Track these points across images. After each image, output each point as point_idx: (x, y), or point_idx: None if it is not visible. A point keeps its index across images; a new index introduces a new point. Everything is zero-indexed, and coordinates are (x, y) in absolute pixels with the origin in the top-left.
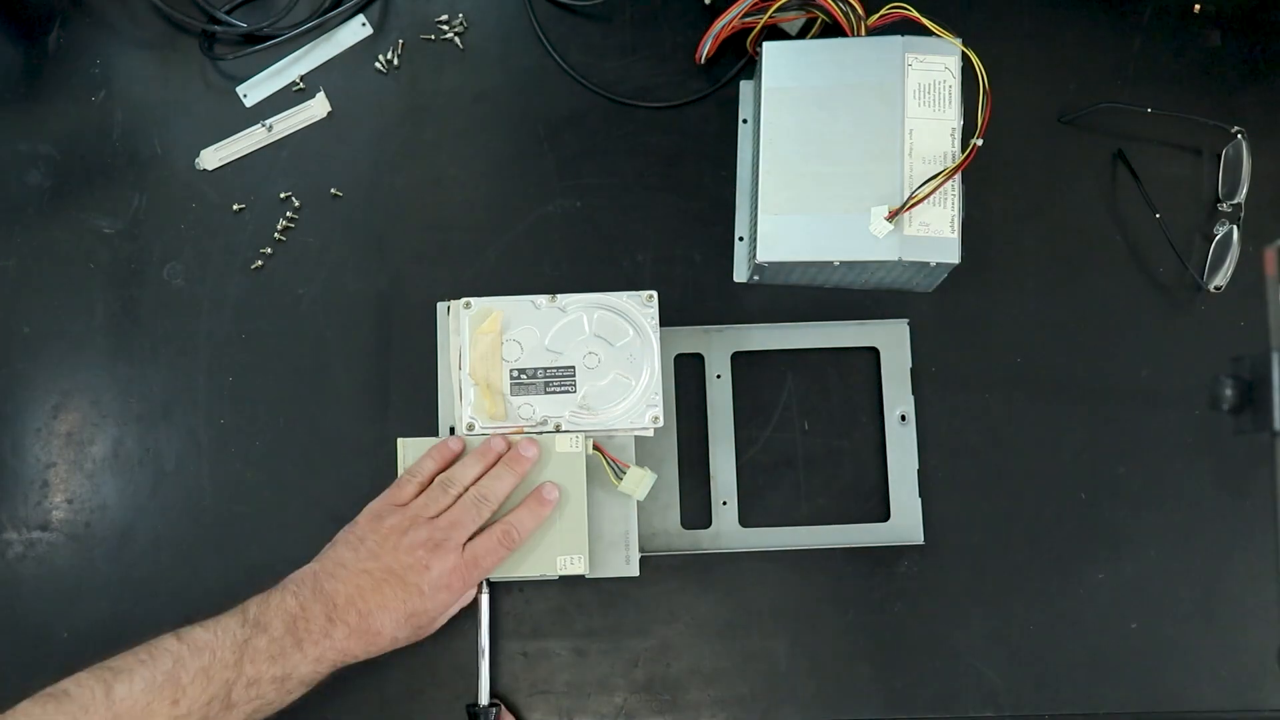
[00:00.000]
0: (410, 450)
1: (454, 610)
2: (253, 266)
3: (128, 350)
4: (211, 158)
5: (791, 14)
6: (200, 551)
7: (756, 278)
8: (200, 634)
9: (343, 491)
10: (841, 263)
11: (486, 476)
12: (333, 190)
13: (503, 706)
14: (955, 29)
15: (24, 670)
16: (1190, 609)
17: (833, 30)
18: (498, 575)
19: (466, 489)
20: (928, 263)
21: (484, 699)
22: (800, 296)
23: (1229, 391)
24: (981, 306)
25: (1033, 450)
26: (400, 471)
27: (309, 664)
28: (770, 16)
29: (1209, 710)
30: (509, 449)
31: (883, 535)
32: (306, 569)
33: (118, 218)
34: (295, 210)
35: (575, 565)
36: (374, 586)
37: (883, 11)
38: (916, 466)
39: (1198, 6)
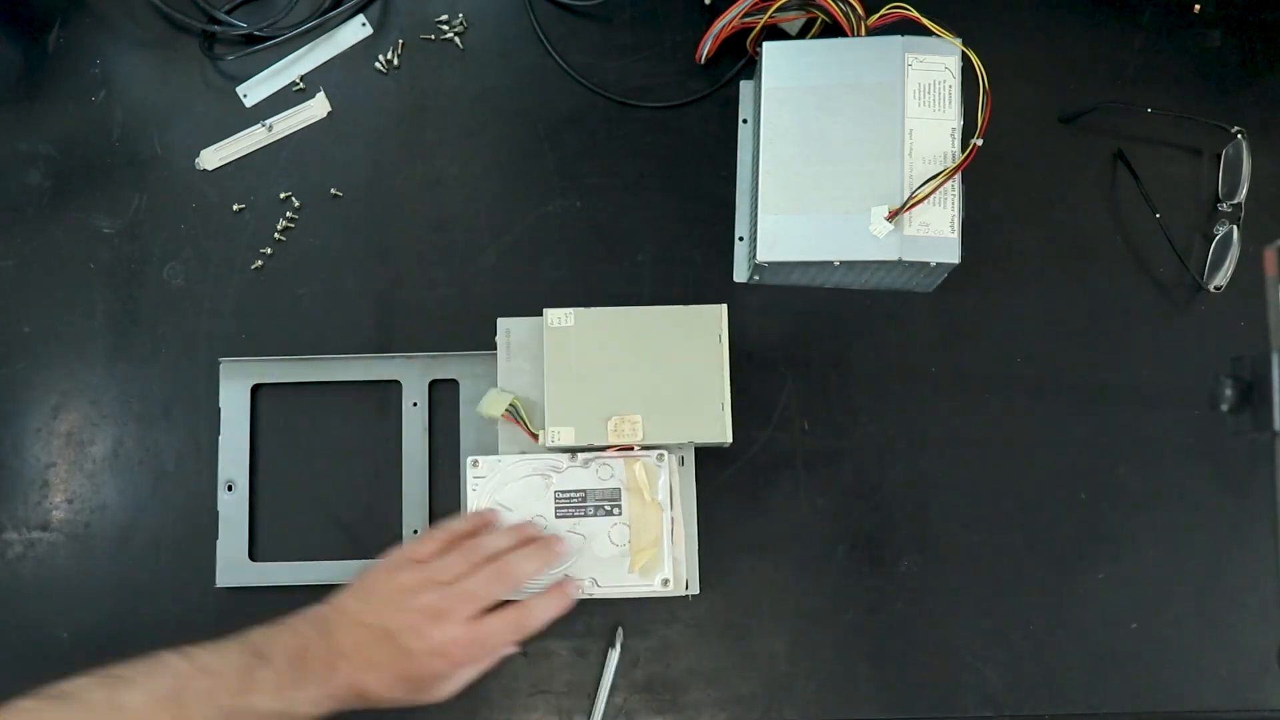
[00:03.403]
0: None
1: (464, 677)
2: (253, 266)
3: (128, 350)
4: (211, 158)
5: (791, 14)
6: (200, 551)
7: (756, 278)
8: (205, 656)
9: (343, 491)
10: (841, 263)
11: (515, 553)
12: (333, 190)
13: None
14: (955, 29)
15: (24, 670)
16: (1190, 609)
17: (833, 30)
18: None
19: (490, 560)
20: (928, 263)
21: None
22: (800, 296)
23: (1229, 391)
24: (981, 306)
25: (1033, 450)
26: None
27: (308, 705)
28: (770, 16)
29: (1209, 710)
30: (544, 537)
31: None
32: (314, 609)
33: (118, 218)
34: (295, 210)
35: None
36: (371, 642)
37: (883, 11)
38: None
39: (1198, 6)
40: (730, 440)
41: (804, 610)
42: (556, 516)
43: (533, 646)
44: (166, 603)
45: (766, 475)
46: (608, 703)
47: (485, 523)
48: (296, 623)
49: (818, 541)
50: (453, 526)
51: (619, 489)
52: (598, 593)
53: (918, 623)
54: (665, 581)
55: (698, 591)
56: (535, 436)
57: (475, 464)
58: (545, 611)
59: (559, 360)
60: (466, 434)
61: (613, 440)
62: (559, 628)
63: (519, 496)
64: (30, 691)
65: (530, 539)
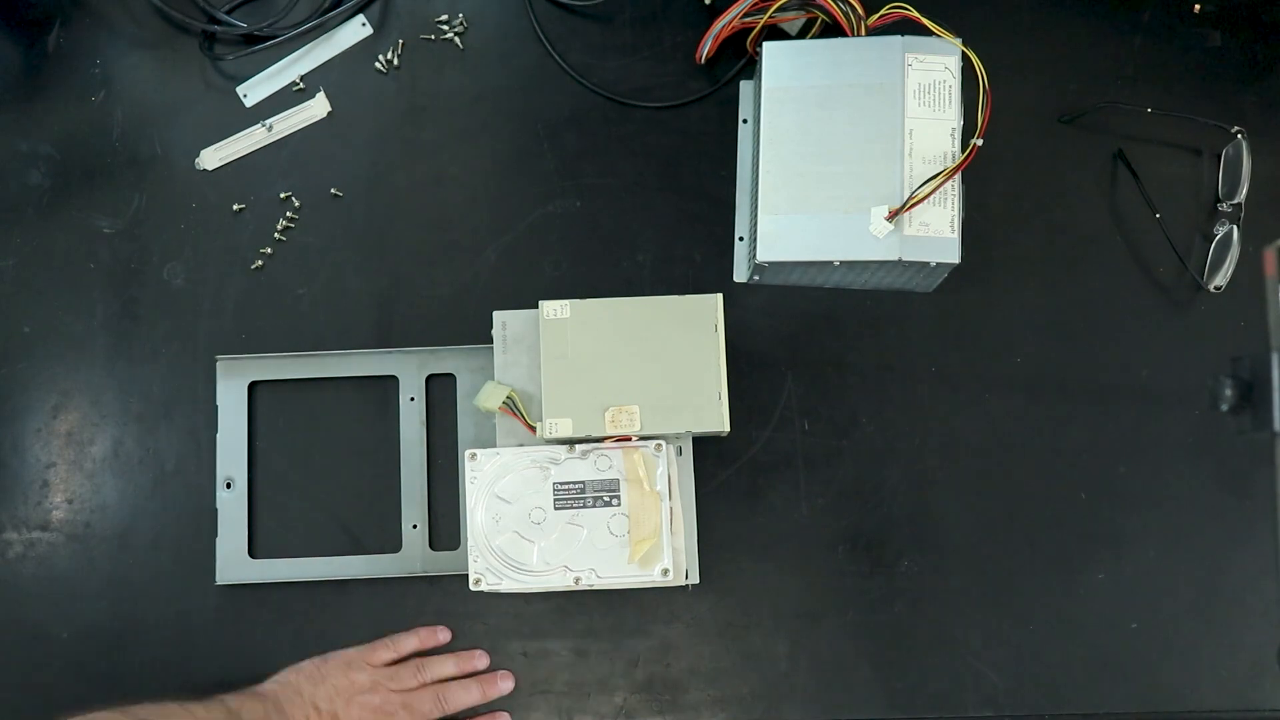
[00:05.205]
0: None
1: None
2: (253, 266)
3: (127, 350)
4: (211, 158)
5: (791, 14)
6: (199, 549)
7: (756, 278)
8: (200, 711)
9: (342, 487)
10: (841, 263)
11: (456, 684)
12: (333, 190)
13: None
14: (955, 29)
15: (24, 670)
16: (1190, 609)
17: (833, 30)
18: None
19: (436, 684)
20: (928, 263)
21: None
22: (800, 296)
23: (1229, 391)
24: (981, 306)
25: (1033, 450)
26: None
27: None
28: (770, 16)
29: (1209, 710)
30: (486, 669)
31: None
32: (268, 687)
33: (118, 218)
34: (295, 210)
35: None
36: None
37: (883, 11)
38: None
39: (1198, 6)
40: (728, 429)
41: (804, 610)
42: (555, 508)
43: (533, 647)
44: (166, 601)
45: (766, 475)
46: (606, 702)
47: (436, 642)
48: (258, 695)
49: (818, 541)
50: (405, 643)
51: (617, 480)
52: (598, 584)
53: (918, 623)
54: (665, 571)
55: (697, 581)
56: (533, 429)
57: (473, 457)
58: (467, 698)
59: (555, 352)
60: (464, 427)
61: (610, 431)
62: (558, 627)
63: (517, 489)
64: (28, 695)
65: (473, 672)
